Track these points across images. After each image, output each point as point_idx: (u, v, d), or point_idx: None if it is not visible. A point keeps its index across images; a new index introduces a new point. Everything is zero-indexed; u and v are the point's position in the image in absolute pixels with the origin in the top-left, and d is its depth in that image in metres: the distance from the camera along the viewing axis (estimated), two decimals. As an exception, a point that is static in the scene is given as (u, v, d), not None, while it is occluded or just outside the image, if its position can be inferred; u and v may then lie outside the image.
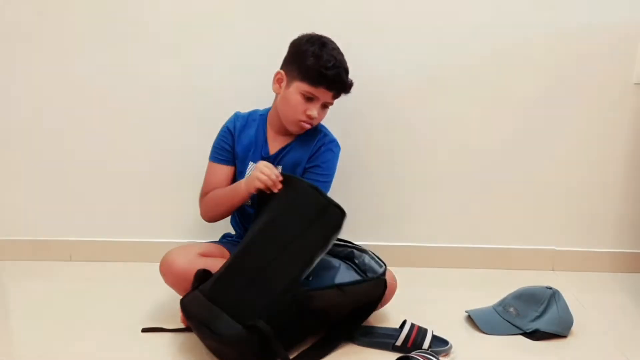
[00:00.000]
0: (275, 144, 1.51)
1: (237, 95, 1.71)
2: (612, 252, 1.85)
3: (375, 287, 1.34)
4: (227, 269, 1.28)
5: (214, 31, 1.68)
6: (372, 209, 1.80)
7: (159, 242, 1.75)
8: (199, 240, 1.63)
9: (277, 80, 1.45)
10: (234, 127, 1.52)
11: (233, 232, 1.64)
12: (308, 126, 1.45)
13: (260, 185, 1.33)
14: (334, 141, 1.54)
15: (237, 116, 1.54)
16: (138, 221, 1.83)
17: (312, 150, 1.51)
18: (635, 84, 1.72)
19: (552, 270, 1.86)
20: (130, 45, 1.69)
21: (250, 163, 1.50)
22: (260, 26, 1.67)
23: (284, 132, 1.49)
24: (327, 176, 1.52)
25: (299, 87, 1.40)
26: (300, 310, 1.24)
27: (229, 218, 1.63)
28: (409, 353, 1.23)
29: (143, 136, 1.76)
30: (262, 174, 1.32)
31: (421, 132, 1.77)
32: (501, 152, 1.78)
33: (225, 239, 1.61)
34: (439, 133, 1.77)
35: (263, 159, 1.48)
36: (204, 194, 1.52)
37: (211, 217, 1.51)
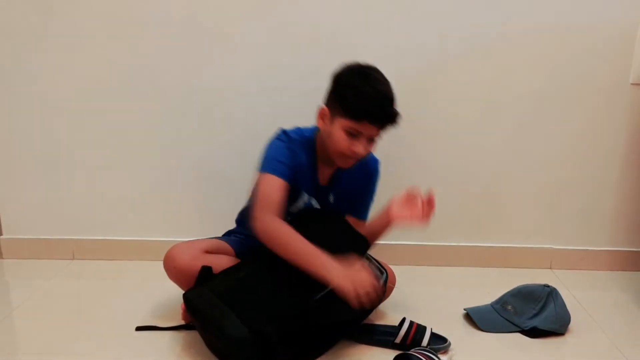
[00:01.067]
0: (324, 173, 1.46)
1: (239, 94, 1.71)
2: (609, 250, 1.85)
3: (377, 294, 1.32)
4: (249, 276, 1.28)
5: (216, 30, 1.68)
6: (374, 208, 1.80)
7: (161, 240, 1.75)
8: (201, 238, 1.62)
9: (321, 116, 1.36)
10: (293, 151, 1.38)
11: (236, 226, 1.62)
12: (353, 161, 1.37)
13: (350, 294, 1.17)
14: (378, 161, 1.53)
15: (291, 139, 1.40)
16: (140, 220, 1.83)
17: (366, 175, 1.50)
18: (632, 84, 1.72)
19: (550, 268, 1.86)
20: (133, 44, 1.69)
21: (304, 193, 1.43)
22: (262, 25, 1.67)
23: (332, 160, 1.41)
24: (374, 197, 1.54)
25: (342, 124, 1.31)
26: (308, 321, 1.23)
27: (234, 215, 1.60)
28: (408, 350, 1.23)
29: (145, 135, 1.76)
30: (364, 287, 1.18)
31: (419, 131, 1.77)
32: (499, 151, 1.78)
33: (230, 236, 1.58)
34: (437, 132, 1.77)
35: (316, 189, 1.44)
36: (267, 210, 1.30)
37: (268, 244, 1.29)
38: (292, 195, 1.39)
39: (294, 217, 1.41)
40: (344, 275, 1.19)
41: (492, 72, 1.71)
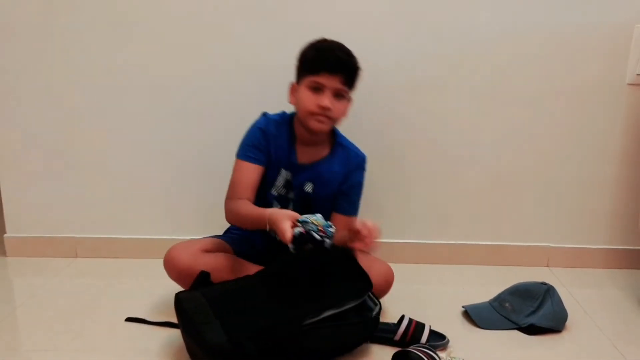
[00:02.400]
0: (305, 155, 1.47)
1: (241, 95, 1.71)
2: (606, 248, 1.85)
3: (368, 327, 1.29)
4: (242, 288, 1.27)
5: (218, 31, 1.68)
6: (371, 206, 1.79)
7: (162, 239, 1.75)
8: (202, 236, 1.62)
9: (291, 91, 1.44)
10: (267, 130, 1.44)
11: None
12: (324, 119, 1.38)
13: (279, 235, 1.22)
14: (365, 158, 1.54)
15: (268, 119, 1.47)
16: (142, 218, 1.83)
17: (348, 169, 1.50)
18: (628, 84, 1.72)
19: (547, 266, 1.86)
20: (134, 44, 1.69)
21: (282, 170, 1.46)
22: (264, 26, 1.67)
23: (313, 142, 1.46)
24: (361, 194, 1.54)
25: (305, 83, 1.38)
26: (293, 344, 1.18)
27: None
28: (407, 347, 1.23)
29: (148, 134, 1.76)
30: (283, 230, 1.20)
31: (419, 131, 1.77)
32: (497, 151, 1.78)
33: (230, 234, 1.58)
34: (436, 132, 1.77)
35: (292, 167, 1.45)
36: (232, 196, 1.42)
37: (236, 224, 1.47)
38: (271, 174, 1.45)
39: (308, 253, 1.39)
40: (272, 220, 1.24)
41: (489, 72, 1.71)
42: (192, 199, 1.81)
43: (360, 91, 1.65)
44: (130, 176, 1.79)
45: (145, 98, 1.73)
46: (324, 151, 1.49)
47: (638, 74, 1.70)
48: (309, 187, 1.48)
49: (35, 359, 1.26)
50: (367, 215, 1.77)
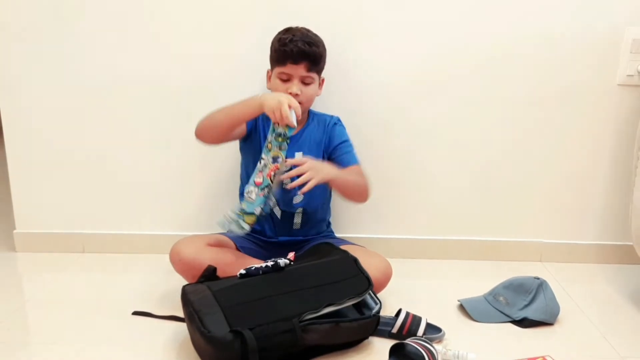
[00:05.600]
0: None
1: (243, 93, 1.70)
2: (597, 244, 1.85)
3: (368, 325, 1.27)
4: (247, 282, 1.27)
5: (220, 31, 1.68)
6: (370, 203, 1.79)
7: (168, 234, 1.74)
8: (206, 233, 1.63)
9: (268, 77, 1.54)
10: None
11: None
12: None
13: (270, 109, 1.31)
14: (338, 118, 1.63)
15: None
16: (148, 215, 1.83)
17: (328, 131, 1.58)
18: (619, 84, 1.72)
19: (540, 261, 1.86)
20: (139, 46, 1.68)
21: None
22: (258, 24, 1.66)
23: None
24: (352, 146, 1.59)
25: (275, 73, 1.48)
26: (293, 340, 1.17)
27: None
28: (405, 340, 1.24)
29: (153, 133, 1.76)
30: (278, 102, 1.30)
31: (416, 130, 1.77)
32: (492, 149, 1.78)
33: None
34: (432, 132, 1.77)
35: None
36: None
37: (207, 130, 1.46)
38: (257, 147, 1.49)
39: (306, 252, 1.48)
40: (264, 99, 1.34)
41: (483, 73, 1.71)
42: (196, 197, 1.80)
43: (360, 93, 1.66)
44: (136, 174, 1.79)
45: (150, 97, 1.72)
46: (302, 123, 1.57)
47: (628, 75, 1.70)
48: (299, 156, 1.53)
49: (44, 351, 1.26)
50: (365, 213, 1.78)
